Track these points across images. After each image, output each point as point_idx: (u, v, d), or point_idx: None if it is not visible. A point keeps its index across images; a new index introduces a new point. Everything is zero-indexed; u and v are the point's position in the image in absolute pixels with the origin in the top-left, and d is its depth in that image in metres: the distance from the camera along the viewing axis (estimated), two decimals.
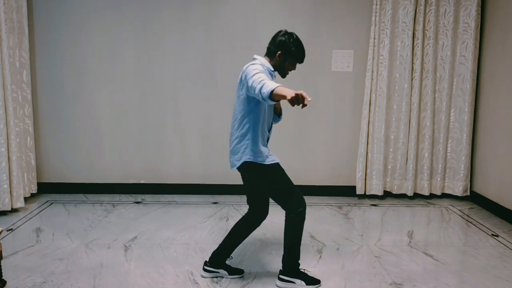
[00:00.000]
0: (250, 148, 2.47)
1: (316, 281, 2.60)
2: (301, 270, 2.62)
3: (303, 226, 2.54)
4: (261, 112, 2.46)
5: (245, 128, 2.47)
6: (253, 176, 2.57)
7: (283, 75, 2.58)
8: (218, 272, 2.70)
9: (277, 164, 2.54)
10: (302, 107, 2.00)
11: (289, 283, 2.57)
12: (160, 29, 4.24)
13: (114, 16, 4.20)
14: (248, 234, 2.73)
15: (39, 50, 4.21)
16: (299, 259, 2.59)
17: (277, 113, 2.68)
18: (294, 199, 2.50)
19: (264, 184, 2.56)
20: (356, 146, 4.42)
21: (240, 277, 2.71)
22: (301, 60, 2.55)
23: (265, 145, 2.57)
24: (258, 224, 2.72)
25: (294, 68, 2.58)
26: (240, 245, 2.79)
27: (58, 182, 4.39)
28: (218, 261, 2.71)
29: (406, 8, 4.16)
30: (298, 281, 2.56)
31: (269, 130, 2.62)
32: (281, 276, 2.59)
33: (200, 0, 4.21)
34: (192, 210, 4.03)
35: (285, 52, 2.49)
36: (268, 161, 2.50)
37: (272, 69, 2.53)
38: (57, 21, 4.17)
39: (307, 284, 2.57)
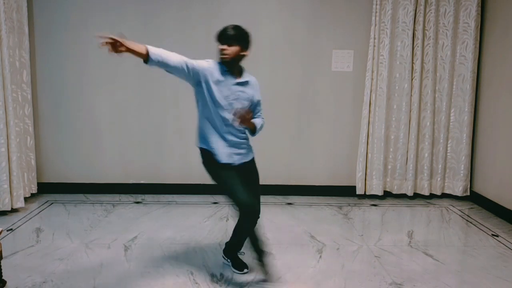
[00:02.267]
0: (198, 134, 2.66)
1: (242, 267, 2.77)
2: (239, 253, 2.90)
3: (248, 227, 2.55)
4: (203, 102, 2.55)
5: (198, 114, 2.63)
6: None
7: (219, 59, 2.54)
8: (228, 262, 2.85)
9: (215, 162, 2.56)
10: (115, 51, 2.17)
11: (226, 261, 2.88)
12: (160, 29, 4.24)
13: (114, 16, 4.20)
14: (249, 231, 2.62)
15: (39, 50, 4.21)
16: (240, 249, 2.87)
17: (249, 130, 2.67)
18: (235, 200, 2.50)
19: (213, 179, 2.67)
20: (356, 146, 4.42)
21: (241, 274, 2.73)
22: (217, 38, 2.51)
23: (222, 139, 2.56)
24: (248, 220, 2.55)
25: (220, 50, 2.51)
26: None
27: (58, 182, 4.39)
28: (229, 251, 2.86)
29: (406, 8, 4.17)
30: (229, 262, 2.85)
31: (234, 133, 2.57)
32: (223, 255, 2.92)
33: (200, 0, 4.21)
34: (192, 210, 4.03)
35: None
36: (209, 148, 2.58)
37: (219, 60, 2.53)
38: (57, 21, 4.17)
39: (233, 266, 2.80)
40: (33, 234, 3.37)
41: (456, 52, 4.31)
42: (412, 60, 4.27)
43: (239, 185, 2.52)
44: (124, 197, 4.35)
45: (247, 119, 2.47)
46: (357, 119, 4.41)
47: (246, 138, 2.69)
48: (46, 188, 4.36)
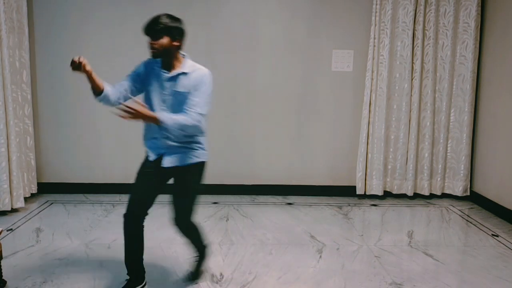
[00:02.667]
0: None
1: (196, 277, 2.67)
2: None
3: (126, 232, 2.42)
4: (146, 98, 2.46)
5: None
6: None
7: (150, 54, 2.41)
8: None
9: (145, 158, 2.57)
10: (75, 68, 2.36)
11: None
12: None
13: (114, 16, 4.20)
14: (125, 235, 2.47)
15: (39, 50, 4.21)
16: (128, 263, 2.48)
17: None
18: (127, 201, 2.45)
19: None
20: (356, 146, 4.42)
21: (240, 276, 2.72)
22: (144, 32, 2.38)
23: (151, 139, 2.54)
24: (123, 222, 2.45)
25: (148, 45, 2.35)
26: (240, 245, 2.81)
27: (58, 182, 4.39)
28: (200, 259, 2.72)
29: (406, 8, 4.16)
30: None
31: (167, 134, 2.39)
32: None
33: (200, 0, 4.21)
34: None
35: None
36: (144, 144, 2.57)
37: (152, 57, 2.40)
38: (57, 21, 4.17)
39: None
40: (33, 234, 3.37)
41: (456, 52, 4.31)
42: (412, 60, 4.27)
43: (138, 188, 2.49)
44: (124, 197, 4.34)
45: (135, 113, 2.22)
46: (357, 119, 4.41)
47: (188, 142, 2.39)
48: (46, 188, 4.36)
